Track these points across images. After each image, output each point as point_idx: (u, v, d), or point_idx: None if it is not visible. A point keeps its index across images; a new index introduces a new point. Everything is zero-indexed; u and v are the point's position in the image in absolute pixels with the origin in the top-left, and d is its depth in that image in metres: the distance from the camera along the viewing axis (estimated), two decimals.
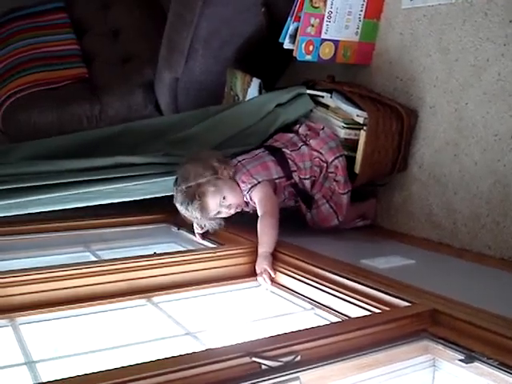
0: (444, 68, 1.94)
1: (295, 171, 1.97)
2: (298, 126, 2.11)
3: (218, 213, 1.88)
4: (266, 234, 1.79)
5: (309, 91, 2.13)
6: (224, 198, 1.86)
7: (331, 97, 2.08)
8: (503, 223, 1.76)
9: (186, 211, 1.88)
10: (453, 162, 1.91)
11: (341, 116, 2.04)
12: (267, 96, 2.21)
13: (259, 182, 1.90)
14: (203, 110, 2.29)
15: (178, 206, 1.89)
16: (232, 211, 1.90)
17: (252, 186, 1.89)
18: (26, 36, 2.89)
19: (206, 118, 2.23)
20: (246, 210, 1.97)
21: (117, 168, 2.00)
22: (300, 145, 2.02)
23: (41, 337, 1.38)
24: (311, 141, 2.01)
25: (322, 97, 2.11)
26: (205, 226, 1.95)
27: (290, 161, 1.97)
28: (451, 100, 1.92)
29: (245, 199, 1.93)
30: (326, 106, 2.11)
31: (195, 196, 1.83)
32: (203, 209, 1.84)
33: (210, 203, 1.84)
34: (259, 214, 1.85)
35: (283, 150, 2.01)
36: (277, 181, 1.95)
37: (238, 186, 1.91)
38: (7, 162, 2.06)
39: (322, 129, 2.04)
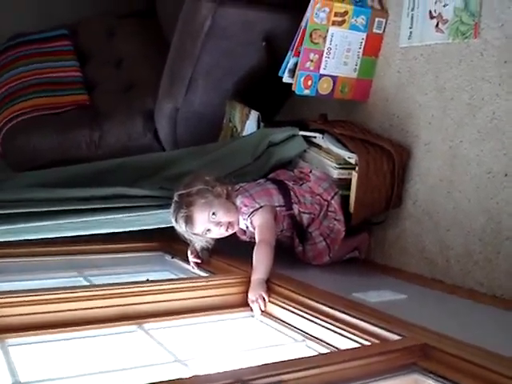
0: (440, 106, 1.97)
1: (296, 203, 1.97)
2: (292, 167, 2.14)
3: (208, 230, 1.87)
4: (261, 262, 1.78)
5: (301, 132, 2.15)
6: (214, 214, 1.84)
7: (323, 138, 2.11)
8: (495, 260, 1.77)
9: (175, 223, 1.88)
10: (446, 198, 1.93)
11: (333, 157, 2.06)
12: (262, 134, 2.23)
13: (261, 207, 1.90)
14: (200, 148, 2.31)
15: (170, 217, 1.89)
16: (223, 231, 1.88)
17: (254, 210, 1.89)
18: (30, 61, 2.93)
19: (202, 155, 2.26)
20: (243, 237, 1.97)
21: (114, 199, 2.02)
22: (301, 182, 2.03)
23: (30, 359, 1.37)
24: (307, 183, 2.03)
25: (315, 137, 2.14)
26: (193, 246, 1.94)
27: (291, 192, 1.98)
28: (446, 137, 1.95)
29: (243, 225, 1.93)
30: (319, 147, 2.14)
31: (183, 205, 1.84)
32: (189, 219, 1.83)
33: (198, 215, 1.83)
34: (257, 240, 1.85)
35: (285, 181, 2.02)
36: (278, 208, 1.95)
37: (234, 206, 1.90)
38: (4, 188, 2.08)
39: (310, 172, 2.05)
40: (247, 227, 1.93)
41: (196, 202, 1.83)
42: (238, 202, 1.92)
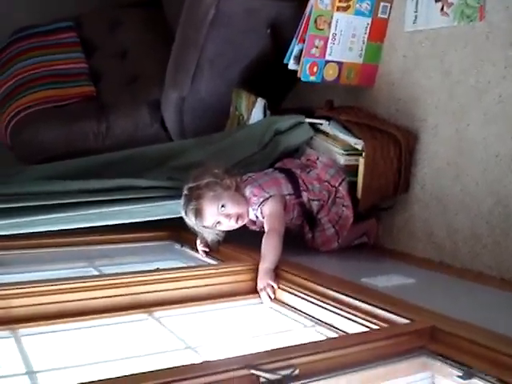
0: (446, 90, 1.97)
1: (305, 191, 1.98)
2: (299, 155, 2.15)
3: (218, 223, 1.88)
4: (270, 252, 1.79)
5: (307, 119, 2.16)
6: (223, 206, 1.85)
7: (329, 124, 2.11)
8: (504, 243, 1.77)
9: (185, 216, 1.89)
10: (454, 182, 1.93)
11: (340, 143, 2.06)
12: (268, 122, 2.23)
13: (271, 196, 1.90)
14: (207, 137, 2.32)
15: (180, 210, 1.91)
16: (233, 223, 1.89)
17: (264, 200, 1.90)
18: (36, 54, 2.93)
19: (209, 145, 2.26)
20: (253, 227, 1.98)
21: (121, 190, 2.03)
22: (308, 170, 2.04)
23: (42, 348, 1.39)
24: (314, 170, 2.03)
25: (321, 124, 2.14)
26: (203, 236, 1.96)
27: (299, 180, 1.99)
28: (452, 121, 1.94)
29: (253, 215, 1.94)
30: (326, 133, 2.14)
31: (192, 198, 1.85)
32: (198, 212, 1.84)
33: (207, 208, 1.84)
34: (266, 229, 1.86)
35: (293, 170, 2.03)
36: (287, 197, 1.95)
37: (244, 198, 1.91)
38: (17, 181, 2.10)
39: (317, 159, 2.06)
40: (257, 217, 1.94)
41: (205, 194, 1.84)
42: (248, 192, 1.92)
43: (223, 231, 1.95)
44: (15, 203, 1.90)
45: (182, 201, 1.89)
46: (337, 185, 1.99)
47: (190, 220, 1.88)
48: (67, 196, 1.96)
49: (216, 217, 1.86)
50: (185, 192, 1.88)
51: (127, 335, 1.51)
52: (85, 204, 1.97)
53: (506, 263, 1.76)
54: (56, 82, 2.84)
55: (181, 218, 1.96)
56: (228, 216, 1.87)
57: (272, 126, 2.18)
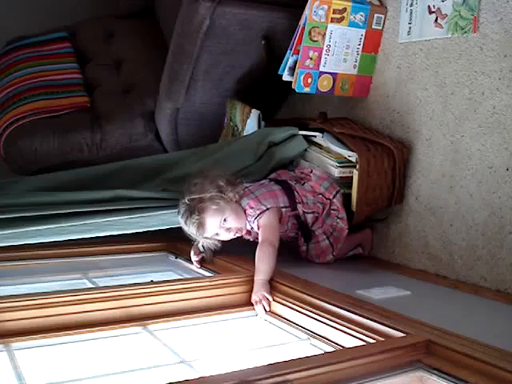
0: (440, 101, 1.97)
1: (300, 203, 1.97)
2: (294, 167, 2.15)
3: (217, 234, 1.89)
4: (264, 263, 1.79)
5: (301, 132, 2.16)
6: (225, 220, 1.86)
7: (323, 137, 2.11)
8: (499, 255, 1.77)
9: (184, 225, 1.88)
10: (449, 193, 1.93)
11: (334, 155, 2.06)
12: (262, 134, 2.23)
13: (267, 209, 1.90)
14: (202, 149, 2.31)
15: (178, 218, 1.89)
16: (231, 235, 1.90)
17: (261, 212, 1.89)
18: (30, 64, 2.92)
19: (204, 156, 2.26)
20: (247, 237, 1.97)
21: (116, 201, 2.02)
22: (302, 182, 2.04)
23: (35, 362, 1.37)
24: (308, 183, 2.03)
25: (315, 136, 2.14)
26: (201, 246, 1.95)
27: (294, 192, 1.99)
28: (447, 133, 1.94)
29: (248, 226, 1.94)
30: (320, 146, 2.14)
31: (195, 210, 1.84)
32: (200, 225, 1.84)
33: (209, 222, 1.84)
34: (259, 240, 1.86)
35: (288, 181, 2.03)
36: (283, 210, 1.95)
37: (243, 210, 1.91)
38: (11, 193, 2.08)
39: (311, 172, 2.06)
40: (252, 228, 1.94)
41: (208, 208, 1.84)
42: (244, 203, 1.92)
43: (220, 241, 1.95)
44: (7, 214, 1.89)
45: (181, 209, 1.88)
46: (331, 197, 1.99)
47: (190, 231, 1.88)
48: (61, 207, 1.95)
49: (217, 230, 1.88)
50: (186, 201, 1.87)
51: (121, 349, 1.50)
52: (78, 214, 1.95)
53: (501, 275, 1.76)
54: (50, 92, 2.83)
55: (175, 228, 1.96)
56: (228, 230, 1.89)
57: (266, 138, 2.18)
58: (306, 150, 2.15)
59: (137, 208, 2.02)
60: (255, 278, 1.76)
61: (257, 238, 1.91)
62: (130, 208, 2.01)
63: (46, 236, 1.94)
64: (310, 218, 1.99)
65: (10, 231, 1.89)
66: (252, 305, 1.73)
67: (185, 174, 2.17)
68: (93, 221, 1.97)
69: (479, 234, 1.83)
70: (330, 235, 2.00)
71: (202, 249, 2.01)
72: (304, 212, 1.98)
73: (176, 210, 1.94)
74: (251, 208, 1.90)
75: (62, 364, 1.40)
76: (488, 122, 1.82)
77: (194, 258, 2.04)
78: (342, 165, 2.04)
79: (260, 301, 1.71)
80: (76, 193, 2.02)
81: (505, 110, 1.77)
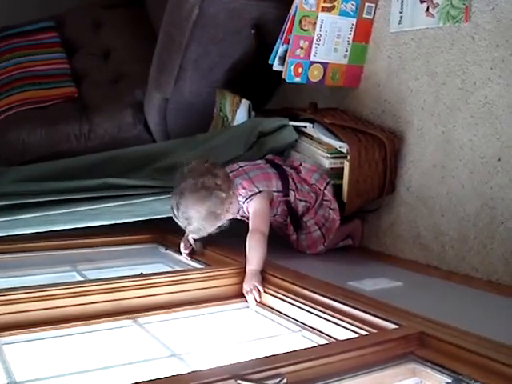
0: (432, 91, 1.96)
1: (293, 190, 1.96)
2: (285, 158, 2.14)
3: None
4: (255, 252, 1.77)
5: (291, 122, 2.14)
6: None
7: (313, 127, 2.10)
8: (490, 245, 1.76)
9: (175, 219, 1.82)
10: (440, 184, 1.92)
11: (325, 146, 2.05)
12: (252, 124, 2.21)
13: (260, 192, 1.88)
14: (191, 139, 2.29)
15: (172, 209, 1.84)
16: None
17: (252, 195, 1.87)
18: (16, 55, 2.89)
19: (193, 146, 2.24)
20: (235, 216, 1.95)
21: (104, 189, 1.99)
22: (297, 171, 2.02)
23: (24, 357, 1.36)
24: (300, 174, 2.02)
25: (305, 127, 2.12)
26: (191, 238, 1.92)
27: (289, 178, 1.97)
28: (438, 123, 1.94)
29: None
30: (310, 137, 2.12)
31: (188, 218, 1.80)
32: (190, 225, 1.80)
33: (201, 223, 1.80)
34: (250, 228, 1.84)
35: (284, 166, 2.01)
36: (275, 194, 1.94)
37: (236, 201, 1.87)
38: None
39: (300, 165, 2.04)
40: (241, 207, 1.91)
41: (204, 215, 1.79)
42: (236, 183, 1.89)
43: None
44: None
45: (173, 209, 1.82)
46: (322, 188, 1.98)
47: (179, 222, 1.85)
48: (46, 195, 1.92)
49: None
50: (180, 200, 1.79)
51: (111, 342, 1.49)
52: (64, 202, 1.93)
53: (493, 265, 1.76)
54: (37, 83, 2.80)
55: (165, 220, 1.94)
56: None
57: (256, 128, 2.17)
58: (296, 140, 2.14)
59: (125, 195, 1.99)
60: (247, 268, 1.75)
61: (244, 217, 1.90)
62: (118, 195, 1.99)
63: (33, 226, 1.92)
64: (301, 206, 1.98)
65: None
66: (243, 296, 1.72)
67: (174, 163, 2.14)
68: (80, 208, 1.94)
69: (471, 224, 1.83)
70: (322, 226, 2.00)
71: (192, 241, 1.99)
72: (296, 199, 1.96)
73: (164, 197, 1.91)
74: (243, 188, 1.88)
75: (51, 358, 1.38)
76: (480, 112, 1.81)
77: (183, 250, 2.02)
78: (332, 156, 2.03)
79: (251, 291, 1.70)
80: (63, 182, 2.00)
81: (496, 99, 1.76)
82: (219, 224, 1.83)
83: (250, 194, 1.87)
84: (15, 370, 1.25)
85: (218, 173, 1.83)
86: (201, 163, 1.84)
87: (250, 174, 1.92)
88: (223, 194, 1.80)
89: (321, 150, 2.05)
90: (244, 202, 1.88)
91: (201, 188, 1.78)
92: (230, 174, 1.91)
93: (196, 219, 1.79)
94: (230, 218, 1.88)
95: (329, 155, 2.02)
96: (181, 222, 1.82)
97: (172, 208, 1.82)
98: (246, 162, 2.00)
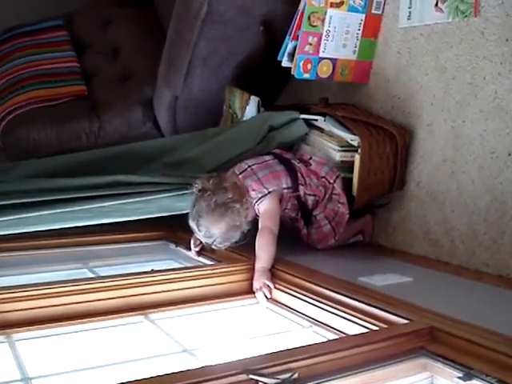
0: (441, 86, 1.95)
1: (302, 185, 1.96)
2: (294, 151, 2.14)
3: None
4: (264, 250, 1.78)
5: (302, 115, 2.14)
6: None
7: (325, 120, 2.09)
8: (501, 241, 1.76)
9: (193, 225, 1.83)
10: (450, 179, 1.92)
11: (335, 139, 2.05)
12: (262, 118, 2.22)
13: (269, 192, 1.89)
14: (201, 133, 2.29)
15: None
16: None
17: (262, 196, 1.88)
18: (26, 53, 2.90)
19: (203, 141, 2.23)
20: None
21: (114, 186, 2.00)
22: (306, 164, 2.02)
23: (37, 353, 1.37)
24: (310, 167, 2.02)
25: (316, 120, 2.12)
26: (218, 244, 1.92)
27: (298, 173, 1.97)
28: (448, 118, 1.93)
29: None
30: (321, 130, 2.12)
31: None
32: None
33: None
34: (260, 226, 1.84)
35: (292, 161, 2.01)
36: (285, 191, 1.94)
37: (251, 207, 1.87)
38: (7, 179, 2.07)
39: (310, 158, 2.04)
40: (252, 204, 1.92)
41: (225, 230, 1.81)
42: (246, 185, 1.89)
43: None
44: (6, 201, 1.87)
45: (195, 231, 1.85)
46: (332, 181, 1.98)
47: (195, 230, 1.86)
48: (57, 193, 1.93)
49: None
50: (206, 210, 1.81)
51: (122, 338, 1.50)
52: (76, 200, 1.93)
53: (504, 260, 1.75)
54: (47, 81, 2.81)
55: (175, 216, 1.95)
56: None
57: (266, 122, 2.17)
58: (306, 134, 2.14)
59: (136, 192, 2.00)
60: (256, 266, 1.76)
61: (254, 217, 1.90)
62: (129, 193, 1.99)
63: (44, 223, 1.92)
64: (310, 200, 1.98)
65: (8, 218, 1.87)
66: (253, 293, 1.73)
67: (184, 158, 2.16)
68: (91, 206, 1.95)
69: (481, 219, 1.82)
70: (331, 220, 2.00)
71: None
72: (305, 194, 1.96)
73: (174, 194, 1.92)
74: (253, 191, 1.88)
75: (63, 354, 1.39)
76: (489, 106, 1.80)
77: (193, 247, 2.03)
78: (343, 149, 2.02)
79: (261, 288, 1.71)
80: (74, 179, 2.00)
81: (506, 94, 1.76)
82: (242, 230, 1.84)
83: (260, 195, 1.88)
84: (28, 366, 1.26)
85: (227, 186, 1.83)
86: (207, 181, 1.84)
87: (258, 174, 1.93)
88: (237, 206, 1.81)
89: (331, 142, 2.05)
90: (254, 204, 1.89)
91: (215, 207, 1.79)
92: (240, 176, 1.91)
93: (219, 235, 1.82)
94: (251, 220, 1.88)
95: (339, 148, 2.02)
96: (207, 241, 1.85)
97: (194, 229, 1.85)
98: (254, 160, 1.99)
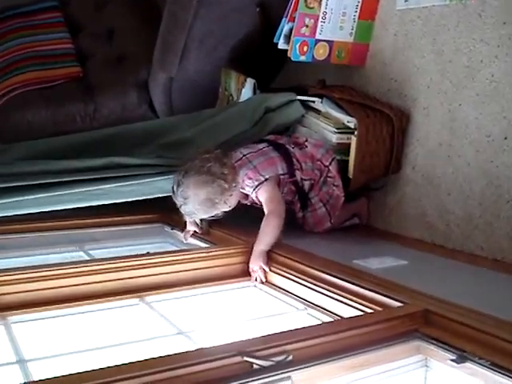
0: (438, 69, 1.95)
1: (298, 169, 1.96)
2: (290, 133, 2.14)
3: None
4: (268, 234, 1.77)
5: (299, 97, 2.13)
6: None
7: (322, 102, 2.09)
8: (496, 224, 1.76)
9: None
10: (446, 162, 1.92)
11: (332, 121, 2.04)
12: (258, 99, 2.21)
13: (266, 180, 1.88)
14: (196, 114, 2.28)
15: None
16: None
17: (259, 184, 1.86)
18: (20, 35, 2.88)
19: (199, 122, 2.23)
20: (244, 202, 1.95)
21: (109, 169, 1.99)
22: (300, 147, 2.02)
23: (33, 336, 1.37)
24: (305, 149, 2.01)
25: (313, 102, 2.12)
26: (184, 209, 1.90)
27: (293, 159, 1.97)
28: (444, 101, 1.93)
29: (245, 192, 1.91)
30: (318, 111, 2.12)
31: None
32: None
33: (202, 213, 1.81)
34: (265, 212, 1.83)
35: (286, 146, 2.01)
36: (281, 177, 1.94)
37: (239, 187, 1.87)
38: (1, 162, 2.06)
39: (306, 141, 2.04)
40: (250, 196, 1.91)
41: (201, 199, 1.79)
42: (242, 173, 1.88)
43: None
44: (2, 184, 1.87)
45: (174, 185, 1.83)
46: (327, 164, 1.98)
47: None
48: (53, 176, 1.92)
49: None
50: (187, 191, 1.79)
51: (118, 321, 1.50)
52: (71, 183, 1.93)
53: (498, 244, 1.76)
54: (41, 63, 2.79)
55: (170, 198, 1.94)
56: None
57: (263, 104, 2.16)
58: (303, 115, 2.13)
59: (131, 175, 1.99)
60: (255, 247, 1.75)
61: (254, 203, 1.91)
62: (124, 175, 1.99)
63: (38, 206, 1.92)
64: (307, 184, 1.98)
65: (3, 201, 1.87)
66: (249, 275, 1.74)
67: (179, 139, 2.15)
68: (86, 188, 1.94)
69: (476, 203, 1.82)
70: (326, 203, 2.00)
71: (198, 220, 2.00)
72: (302, 179, 1.96)
73: (170, 177, 1.91)
74: (249, 179, 1.87)
75: (59, 337, 1.40)
76: (486, 90, 1.80)
77: (189, 228, 2.02)
78: (340, 131, 2.02)
79: (257, 270, 1.71)
80: (68, 161, 1.99)
81: (503, 77, 1.75)
82: (214, 213, 1.82)
83: (257, 183, 1.87)
84: (24, 349, 1.26)
85: (226, 162, 1.82)
86: (213, 149, 1.85)
87: (253, 162, 1.91)
88: (226, 185, 1.79)
89: (328, 124, 2.04)
90: (252, 192, 1.88)
91: (206, 172, 1.77)
92: (235, 164, 1.90)
93: (192, 201, 1.78)
94: (226, 210, 1.85)
95: (336, 130, 2.02)
96: (177, 200, 1.81)
97: (173, 183, 1.82)
98: (248, 149, 1.98)
